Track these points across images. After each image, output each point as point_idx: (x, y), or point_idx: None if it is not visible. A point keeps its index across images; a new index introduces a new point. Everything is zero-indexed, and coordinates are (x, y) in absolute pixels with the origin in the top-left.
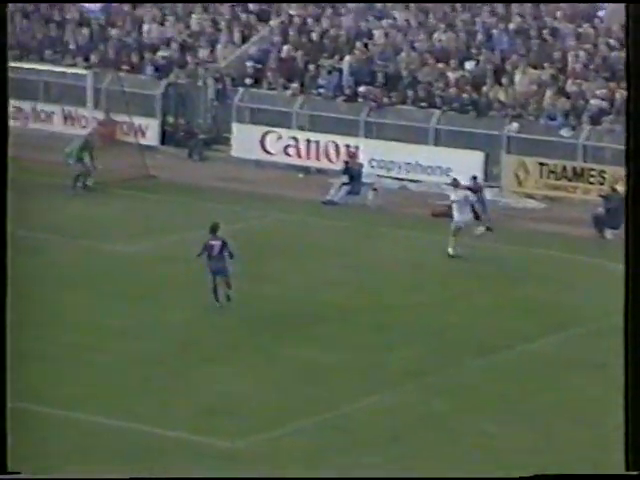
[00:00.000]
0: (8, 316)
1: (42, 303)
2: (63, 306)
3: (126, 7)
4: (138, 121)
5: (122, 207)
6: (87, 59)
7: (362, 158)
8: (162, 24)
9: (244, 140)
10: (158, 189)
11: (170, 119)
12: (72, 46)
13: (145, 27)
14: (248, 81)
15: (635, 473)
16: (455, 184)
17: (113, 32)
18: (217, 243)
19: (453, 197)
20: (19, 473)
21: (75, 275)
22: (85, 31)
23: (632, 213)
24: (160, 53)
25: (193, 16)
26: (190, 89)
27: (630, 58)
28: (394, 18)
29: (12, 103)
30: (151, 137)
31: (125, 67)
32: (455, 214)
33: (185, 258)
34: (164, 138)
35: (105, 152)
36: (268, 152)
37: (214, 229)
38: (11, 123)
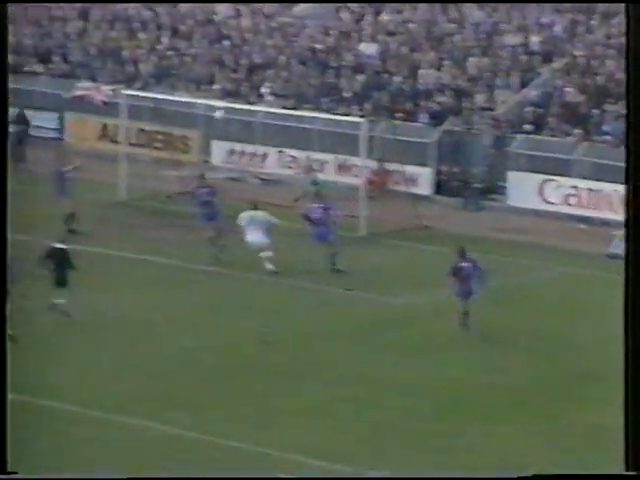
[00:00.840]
0: (8, 316)
1: (319, 354)
2: (335, 358)
3: (403, 52)
4: (411, 170)
5: (395, 258)
6: (361, 107)
7: None
8: (438, 69)
9: (521, 189)
10: (432, 240)
11: (444, 168)
12: (347, 93)
13: (421, 72)
14: (527, 127)
15: (635, 473)
16: None
17: (389, 78)
18: (468, 265)
19: None
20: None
21: (342, 325)
22: (360, 77)
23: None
24: (435, 99)
25: (470, 60)
26: (465, 136)
27: (630, 58)
28: None
29: (287, 152)
30: (425, 186)
31: (399, 114)
32: None
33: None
34: (438, 187)
35: (378, 202)
36: (547, 201)
37: (462, 253)
38: (284, 172)
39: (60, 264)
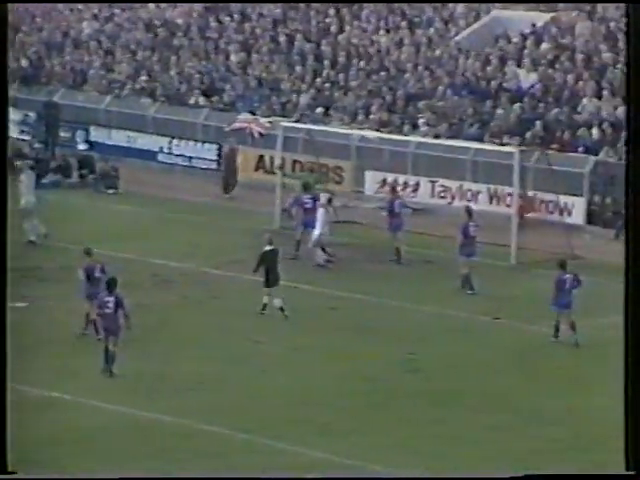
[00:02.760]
0: (8, 316)
1: (465, 382)
2: (482, 386)
3: (562, 81)
4: (564, 199)
5: (545, 287)
6: (516, 137)
7: None
8: (599, 98)
9: None
10: (584, 269)
11: (597, 198)
12: (502, 123)
13: (579, 103)
14: None
15: (635, 473)
16: None
17: (546, 108)
18: (568, 277)
19: None
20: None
21: (488, 353)
22: (517, 107)
23: (632, 212)
24: (593, 131)
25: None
26: (620, 168)
27: (630, 58)
28: None
29: (440, 182)
30: (577, 216)
31: (554, 145)
32: None
33: (613, 342)
34: (590, 217)
35: (530, 231)
36: None
37: (564, 265)
38: (438, 201)
39: (272, 265)
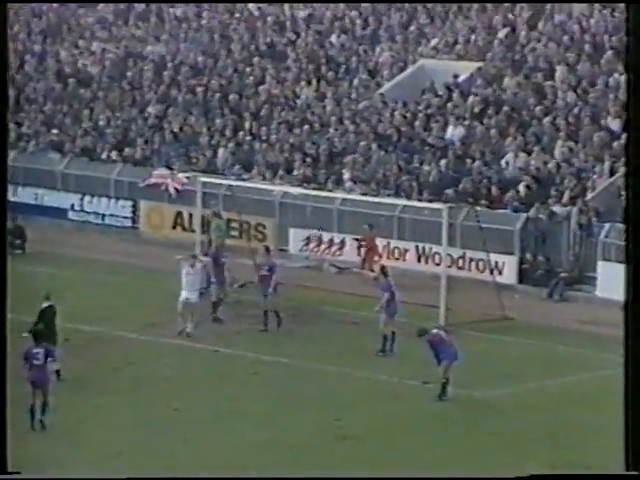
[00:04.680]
0: (8, 316)
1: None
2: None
3: (489, 135)
4: (494, 258)
5: (476, 350)
6: (444, 193)
7: None
8: (529, 153)
9: (611, 279)
10: (515, 331)
11: (528, 256)
12: (429, 179)
13: (507, 157)
14: (616, 216)
15: (635, 473)
16: None
17: (473, 163)
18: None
19: None
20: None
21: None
22: (444, 162)
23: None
24: (520, 186)
25: (559, 142)
26: (551, 224)
27: (630, 58)
28: None
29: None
30: (508, 275)
31: (483, 201)
32: None
33: (543, 408)
34: (522, 276)
35: (459, 291)
36: None
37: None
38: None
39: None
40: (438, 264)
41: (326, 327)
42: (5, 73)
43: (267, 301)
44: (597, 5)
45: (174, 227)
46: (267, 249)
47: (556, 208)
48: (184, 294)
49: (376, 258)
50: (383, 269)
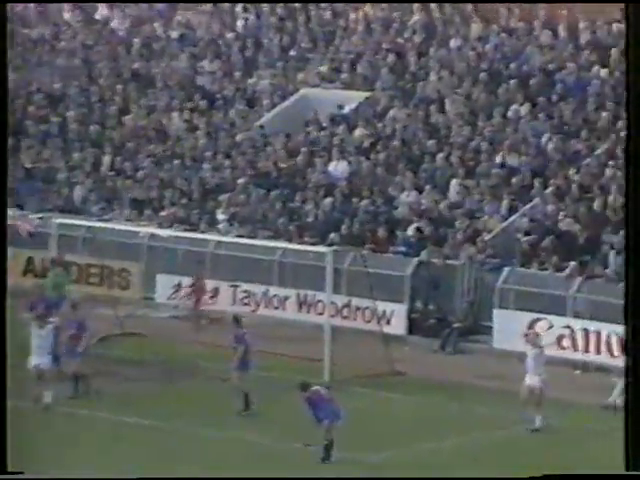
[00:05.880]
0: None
1: None
2: None
3: (377, 172)
4: (382, 306)
5: (363, 408)
6: (328, 235)
7: None
8: (420, 192)
9: (508, 329)
10: (405, 387)
11: (419, 304)
12: (311, 220)
13: (396, 196)
14: (515, 259)
15: (635, 473)
16: None
17: (360, 203)
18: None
19: None
20: (19, 473)
21: None
22: (327, 202)
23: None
24: (412, 227)
25: (453, 181)
26: (444, 269)
27: (630, 58)
28: None
29: (243, 287)
30: (397, 325)
31: (370, 244)
32: None
33: (437, 471)
34: (412, 326)
35: (344, 343)
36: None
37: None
38: (239, 309)
39: None
40: (321, 313)
41: (195, 384)
42: (5, 73)
43: (75, 363)
44: (495, 27)
45: (24, 274)
46: (74, 305)
47: (449, 251)
48: (34, 359)
49: (205, 298)
50: (236, 317)
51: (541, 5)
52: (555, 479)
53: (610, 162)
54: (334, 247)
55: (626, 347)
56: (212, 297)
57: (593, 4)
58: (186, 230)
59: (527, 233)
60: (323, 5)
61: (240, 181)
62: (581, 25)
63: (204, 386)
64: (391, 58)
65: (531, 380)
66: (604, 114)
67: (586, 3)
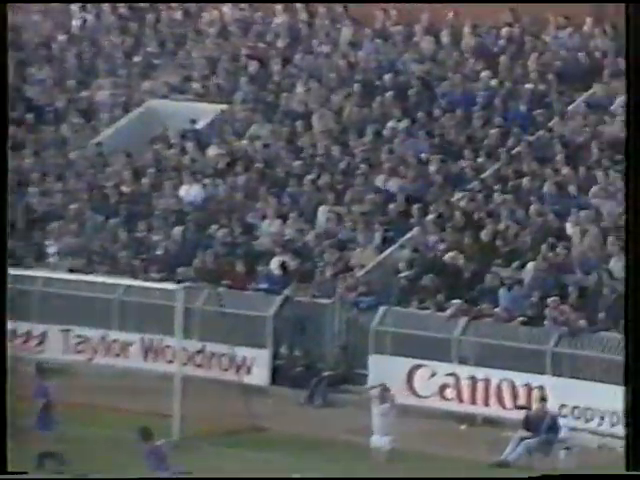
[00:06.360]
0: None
1: None
2: None
3: (235, 198)
4: (242, 352)
5: (219, 469)
6: (177, 270)
7: (550, 403)
8: (284, 220)
9: (384, 377)
10: (268, 445)
11: (284, 350)
12: (159, 252)
13: (257, 226)
14: (392, 297)
15: (635, 473)
16: None
17: (215, 232)
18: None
19: None
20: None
21: None
22: (177, 231)
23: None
24: (274, 261)
25: (321, 208)
26: (312, 308)
27: (630, 58)
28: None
29: (76, 331)
30: (259, 374)
31: (227, 280)
32: None
33: None
34: (275, 376)
35: (196, 394)
36: (417, 394)
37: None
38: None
39: None
40: (171, 361)
41: None
42: (5, 73)
43: None
44: (368, 31)
45: None
46: None
47: (317, 288)
48: None
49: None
50: (39, 367)
51: (423, 6)
52: (555, 479)
53: (498, 185)
54: (185, 284)
55: (626, 347)
56: (39, 343)
57: (478, 4)
58: (10, 265)
59: (406, 267)
60: (173, 5)
61: (73, 207)
62: (465, 29)
63: None
64: (251, 66)
65: (379, 442)
66: (492, 131)
67: (583, 3)
